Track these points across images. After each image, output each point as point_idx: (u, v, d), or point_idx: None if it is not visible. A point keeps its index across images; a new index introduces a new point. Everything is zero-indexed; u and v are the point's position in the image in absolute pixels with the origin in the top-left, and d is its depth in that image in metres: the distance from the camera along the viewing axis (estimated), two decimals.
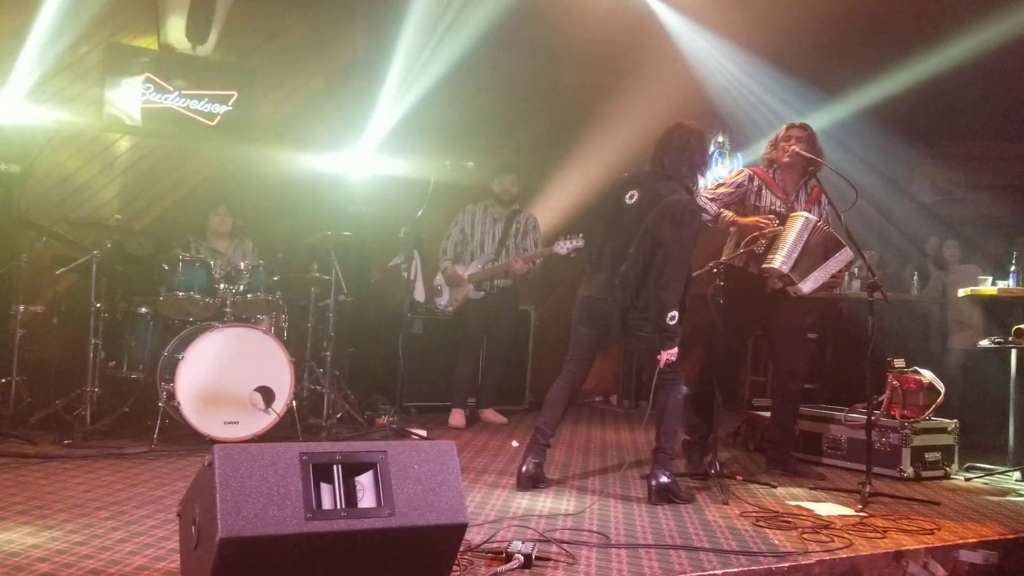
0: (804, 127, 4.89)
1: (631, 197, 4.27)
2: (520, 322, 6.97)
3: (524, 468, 4.30)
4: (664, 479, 4.14)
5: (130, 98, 6.56)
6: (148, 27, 6.66)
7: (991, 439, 5.71)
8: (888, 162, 7.53)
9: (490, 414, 6.52)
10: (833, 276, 4.69)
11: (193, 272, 5.22)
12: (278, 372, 5.06)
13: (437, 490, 2.64)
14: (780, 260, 4.59)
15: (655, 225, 4.12)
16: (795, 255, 4.58)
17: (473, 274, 6.34)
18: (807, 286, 4.63)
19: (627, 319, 4.21)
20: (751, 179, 4.91)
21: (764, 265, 4.68)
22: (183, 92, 6.72)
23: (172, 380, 4.81)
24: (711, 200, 4.86)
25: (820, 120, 6.97)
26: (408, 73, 7.00)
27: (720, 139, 8.21)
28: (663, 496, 4.10)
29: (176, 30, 6.63)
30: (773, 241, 4.67)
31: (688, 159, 4.27)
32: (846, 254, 4.64)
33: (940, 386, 5.14)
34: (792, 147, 4.77)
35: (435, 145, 7.02)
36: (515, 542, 3.10)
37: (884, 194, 7.54)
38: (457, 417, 6.26)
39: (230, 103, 6.88)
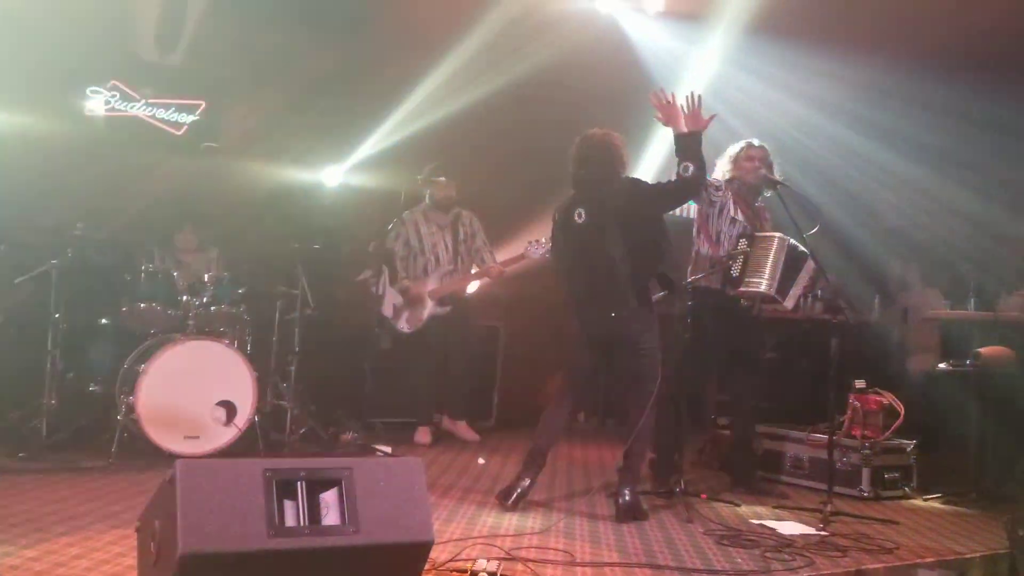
0: (763, 148, 4.96)
1: (579, 216, 4.35)
2: (489, 339, 6.93)
3: (522, 485, 4.30)
4: (629, 497, 4.16)
5: (95, 105, 6.48)
6: (116, 34, 6.59)
7: (949, 460, 5.79)
8: (852, 184, 7.64)
9: (463, 429, 6.39)
10: (804, 287, 4.80)
11: (156, 283, 5.16)
12: (241, 386, 5.00)
13: (403, 507, 2.62)
14: (766, 284, 4.64)
15: (620, 218, 4.20)
16: (778, 276, 4.65)
17: (435, 290, 6.17)
18: (790, 303, 4.77)
19: (622, 327, 4.25)
20: (726, 189, 4.95)
21: (745, 289, 4.72)
22: (150, 100, 6.65)
23: (132, 393, 4.74)
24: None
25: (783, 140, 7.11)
26: (380, 89, 7.00)
27: None
28: (630, 514, 4.11)
29: (145, 38, 6.57)
30: (747, 262, 4.72)
31: (619, 163, 4.34)
32: (810, 262, 4.76)
33: (900, 407, 5.22)
34: (761, 170, 4.84)
35: (407, 159, 6.98)
36: (480, 560, 3.09)
37: (848, 217, 7.64)
38: (423, 434, 6.20)
39: (198, 112, 6.83)
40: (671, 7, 6.97)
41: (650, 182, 4.44)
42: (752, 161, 4.92)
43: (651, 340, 4.29)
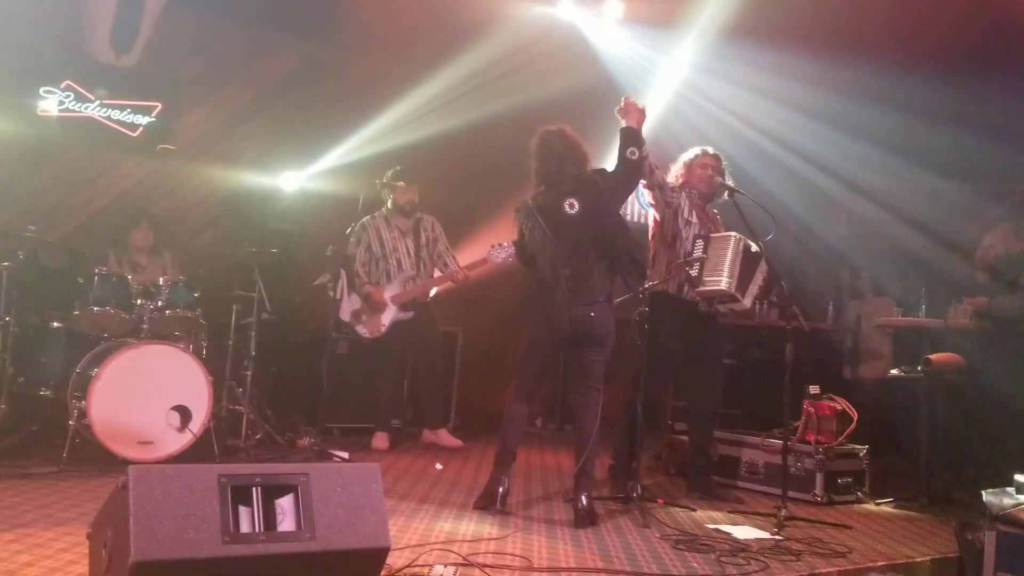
0: (717, 156, 5.04)
1: (571, 207, 4.36)
2: (447, 344, 6.91)
3: (503, 488, 4.34)
4: (587, 502, 4.18)
5: (48, 106, 6.37)
6: (70, 34, 6.48)
7: (900, 465, 5.90)
8: (807, 193, 7.76)
9: (445, 437, 6.30)
10: (759, 286, 4.88)
11: (110, 286, 5.08)
12: (196, 391, 4.94)
13: (359, 513, 2.62)
14: (726, 281, 4.70)
15: (605, 208, 4.39)
16: (736, 273, 4.71)
17: (397, 295, 6.13)
18: (748, 300, 4.85)
19: (598, 324, 4.30)
20: (680, 191, 5.01)
21: (705, 289, 4.77)
22: (104, 102, 6.55)
23: (84, 398, 4.66)
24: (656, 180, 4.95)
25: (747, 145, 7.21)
26: (340, 93, 6.96)
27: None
28: (587, 519, 4.14)
29: (100, 38, 6.46)
30: (705, 264, 4.77)
31: (584, 156, 4.45)
32: (763, 262, 4.84)
33: (853, 413, 5.31)
34: (715, 178, 4.91)
35: (367, 164, 6.94)
36: (437, 566, 3.09)
37: (801, 225, 7.77)
38: (380, 440, 6.16)
39: (154, 114, 6.73)
40: (630, 14, 7.04)
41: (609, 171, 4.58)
42: (706, 169, 4.99)
43: (612, 342, 4.39)
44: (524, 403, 4.50)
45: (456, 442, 6.30)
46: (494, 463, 4.44)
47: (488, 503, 4.32)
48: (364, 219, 6.16)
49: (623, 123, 4.54)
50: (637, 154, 4.45)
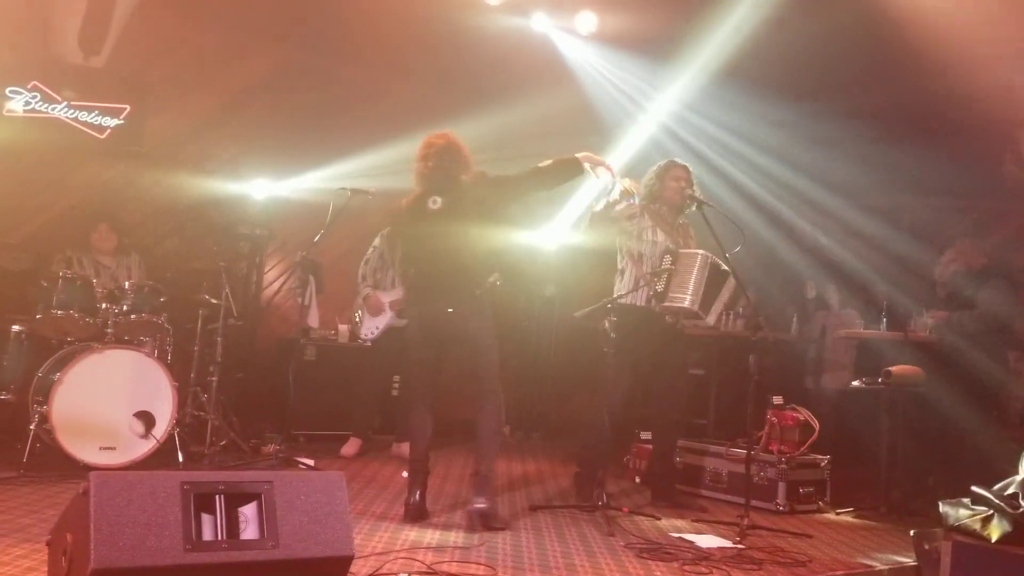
0: (686, 167, 5.09)
1: (434, 203, 4.36)
2: None
3: (413, 499, 4.29)
4: (481, 504, 4.18)
5: (14, 106, 6.29)
6: (37, 34, 6.41)
7: (860, 475, 5.98)
8: (772, 208, 7.86)
9: (408, 449, 6.31)
10: (725, 303, 4.94)
11: (73, 290, 5.02)
12: (160, 397, 4.90)
13: (324, 521, 2.61)
14: (690, 299, 4.74)
15: (474, 207, 4.31)
16: (701, 292, 4.75)
17: (396, 301, 6.10)
18: (712, 318, 4.88)
19: (459, 323, 4.28)
20: (643, 213, 5.04)
21: (669, 304, 4.80)
22: (72, 103, 6.48)
23: (46, 402, 4.60)
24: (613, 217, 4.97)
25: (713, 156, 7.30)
26: (313, 100, 6.92)
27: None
28: (483, 522, 4.13)
29: (69, 39, 6.40)
30: (672, 279, 4.81)
31: (469, 158, 4.43)
32: (731, 280, 4.88)
33: (815, 423, 5.38)
34: (687, 190, 4.95)
35: (336, 169, 6.92)
36: (402, 574, 3.08)
37: (768, 236, 7.85)
38: (352, 445, 6.12)
39: (122, 117, 6.67)
40: (603, 30, 7.09)
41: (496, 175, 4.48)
42: (678, 181, 5.02)
43: (488, 337, 4.33)
44: (424, 412, 4.44)
45: None
46: (409, 475, 4.41)
47: (416, 515, 4.26)
48: (384, 230, 6.21)
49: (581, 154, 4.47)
50: (547, 164, 4.38)
